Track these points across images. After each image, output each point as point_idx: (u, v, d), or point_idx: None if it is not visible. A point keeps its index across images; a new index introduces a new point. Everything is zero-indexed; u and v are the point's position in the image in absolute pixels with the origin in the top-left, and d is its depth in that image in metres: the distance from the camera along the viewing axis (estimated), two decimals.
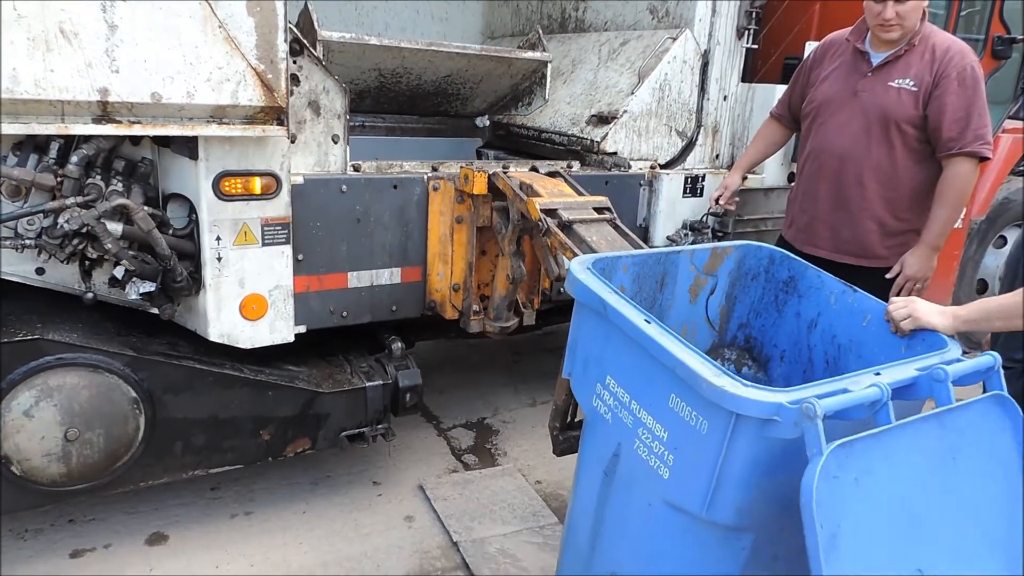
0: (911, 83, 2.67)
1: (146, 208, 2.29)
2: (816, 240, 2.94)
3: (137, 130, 2.15)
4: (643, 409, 1.79)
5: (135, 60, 2.07)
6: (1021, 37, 4.27)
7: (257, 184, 2.45)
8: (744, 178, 3.32)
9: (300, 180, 2.59)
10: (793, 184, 3.13)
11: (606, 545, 2.02)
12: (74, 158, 2.18)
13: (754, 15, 3.55)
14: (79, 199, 2.18)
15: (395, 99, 3.69)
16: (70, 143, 2.22)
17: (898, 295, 2.77)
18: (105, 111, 2.09)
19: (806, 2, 3.93)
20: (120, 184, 2.30)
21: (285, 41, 2.26)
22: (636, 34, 3.75)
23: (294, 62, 2.53)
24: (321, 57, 3.01)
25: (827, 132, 2.86)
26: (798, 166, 3.06)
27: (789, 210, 3.12)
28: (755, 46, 3.64)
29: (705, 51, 3.53)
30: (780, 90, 3.58)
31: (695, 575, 1.73)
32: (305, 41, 2.55)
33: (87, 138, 2.21)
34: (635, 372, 1.82)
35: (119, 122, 2.12)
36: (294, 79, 2.55)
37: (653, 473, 1.76)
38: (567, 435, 2.44)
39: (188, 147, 2.35)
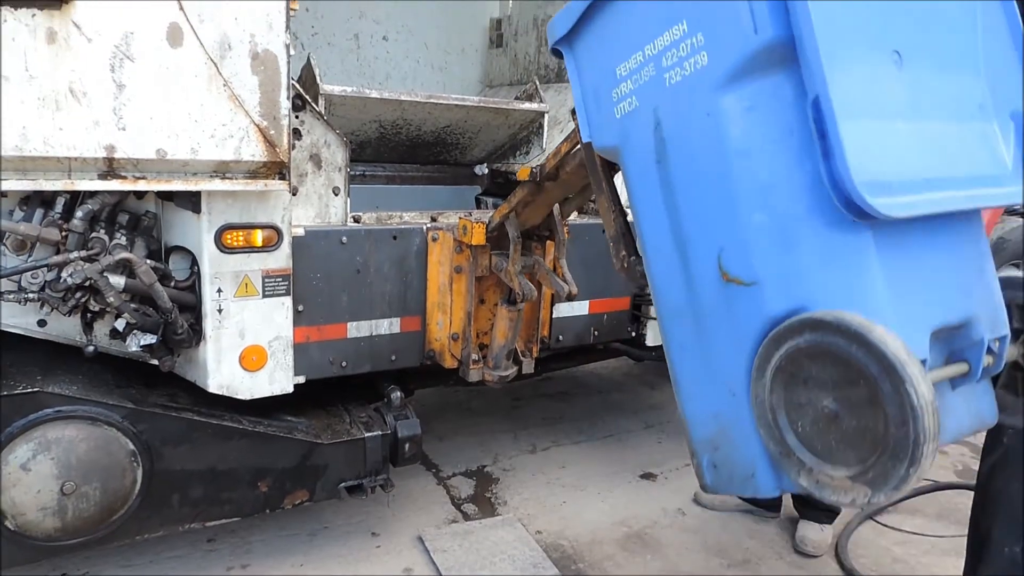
0: None
1: (148, 261, 2.32)
2: None
3: (142, 186, 2.19)
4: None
5: (142, 118, 2.12)
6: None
7: (259, 237, 2.48)
8: None
9: (301, 232, 2.62)
10: None
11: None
12: (79, 213, 2.22)
13: None
14: (83, 253, 2.21)
15: (395, 149, 3.76)
16: (76, 198, 2.26)
17: None
18: (111, 167, 2.14)
19: None
20: (124, 238, 2.33)
21: (288, 98, 2.32)
22: None
23: (296, 117, 2.59)
24: (323, 110, 3.08)
25: None
26: None
27: None
28: None
29: None
30: None
31: None
32: (307, 96, 2.61)
33: (92, 193, 2.25)
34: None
35: (124, 178, 2.16)
36: (296, 133, 2.60)
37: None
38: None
39: (191, 201, 2.39)
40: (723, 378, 1.60)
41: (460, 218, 2.88)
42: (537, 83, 3.82)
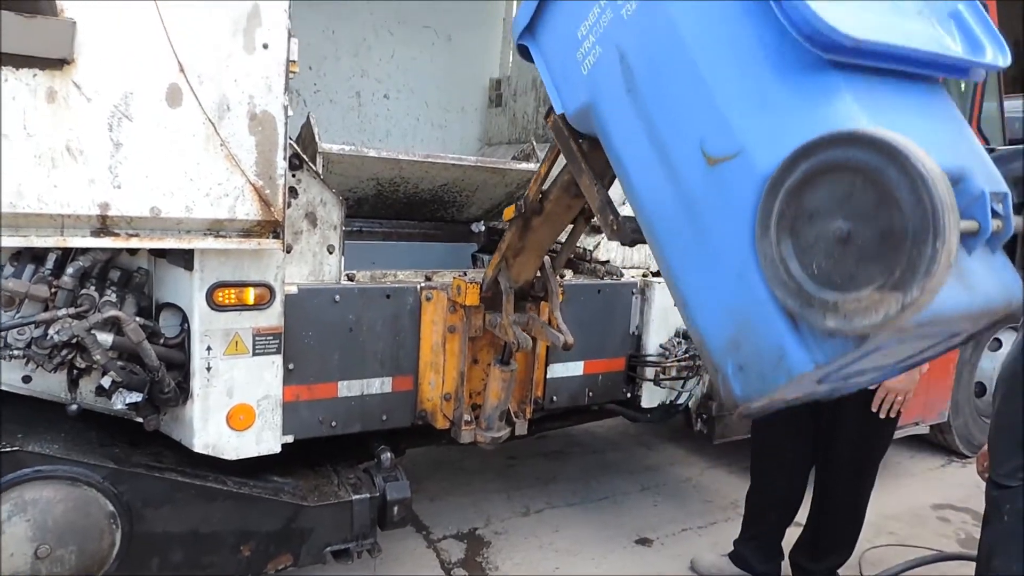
0: None
1: (137, 319, 2.29)
2: None
3: (134, 243, 2.18)
4: None
5: (137, 176, 2.13)
6: (998, 148, 4.43)
7: (251, 295, 2.46)
8: None
9: (294, 290, 2.61)
10: None
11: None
12: (70, 269, 2.21)
13: None
14: (71, 310, 2.19)
15: (392, 205, 3.77)
16: (67, 254, 2.25)
17: (878, 408, 2.75)
18: (104, 224, 2.13)
19: None
20: (114, 295, 2.32)
21: (284, 158, 2.33)
22: None
23: (293, 175, 2.60)
24: (321, 168, 3.10)
25: None
26: None
27: None
28: None
29: None
30: None
31: None
32: (304, 156, 2.63)
33: (84, 250, 2.24)
34: None
35: (117, 235, 2.16)
36: (292, 192, 2.61)
37: None
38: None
39: (184, 258, 2.38)
40: (728, 264, 1.56)
41: (454, 278, 2.87)
42: (535, 143, 3.86)
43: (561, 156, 2.22)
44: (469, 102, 5.26)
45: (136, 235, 2.18)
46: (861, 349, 1.39)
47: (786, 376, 1.47)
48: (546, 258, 2.85)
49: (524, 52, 2.14)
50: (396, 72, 4.98)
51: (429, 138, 5.17)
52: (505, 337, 2.81)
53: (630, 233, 1.98)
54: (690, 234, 1.65)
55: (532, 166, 3.76)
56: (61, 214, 2.07)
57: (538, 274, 2.91)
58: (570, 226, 2.70)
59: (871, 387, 2.75)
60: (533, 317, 2.85)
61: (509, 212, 2.59)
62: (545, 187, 2.49)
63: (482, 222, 4.18)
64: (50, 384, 2.40)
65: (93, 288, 2.28)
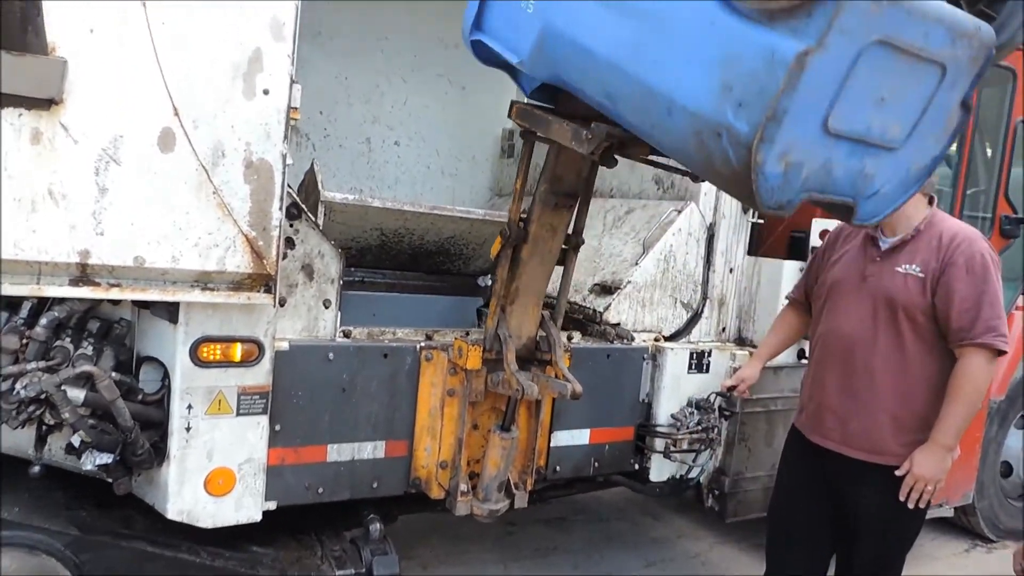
0: (918, 269, 2.59)
1: (114, 375, 2.15)
2: (824, 430, 2.75)
3: (115, 294, 2.04)
4: None
5: (122, 223, 2.00)
6: None
7: (238, 351, 2.32)
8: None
9: (285, 346, 2.46)
10: (805, 369, 2.98)
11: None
12: (43, 320, 2.07)
13: None
14: (42, 364, 2.04)
15: (396, 256, 3.64)
16: (43, 303, 2.11)
17: (907, 496, 2.55)
18: (84, 273, 2.00)
19: None
20: (90, 347, 2.17)
21: (280, 208, 2.21)
22: (641, 203, 3.74)
23: (291, 225, 2.47)
24: (323, 217, 2.98)
25: (836, 316, 2.75)
26: (809, 350, 2.93)
27: (801, 396, 2.95)
28: (760, 220, 3.62)
29: (711, 224, 3.51)
30: (788, 266, 3.54)
31: None
32: (303, 206, 2.51)
33: (61, 299, 2.10)
34: None
35: (98, 284, 2.03)
36: (289, 242, 2.48)
37: None
38: None
39: (168, 311, 2.24)
40: (698, 27, 1.64)
41: (456, 339, 2.71)
42: None
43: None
44: (481, 152, 5.17)
45: (117, 285, 2.05)
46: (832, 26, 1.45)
47: (783, 69, 1.48)
48: (545, 312, 2.78)
49: (477, 49, 2.28)
50: (408, 119, 4.91)
51: (439, 186, 5.07)
52: (508, 390, 2.65)
53: (604, 134, 2.07)
54: (656, 37, 1.74)
55: None
56: (38, 261, 1.94)
57: (541, 333, 2.77)
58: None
59: (897, 473, 2.56)
60: (538, 373, 2.70)
61: (496, 246, 2.59)
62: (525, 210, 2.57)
63: (489, 276, 4.04)
64: (16, 440, 2.24)
65: (68, 340, 2.14)
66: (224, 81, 2.08)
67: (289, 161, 2.22)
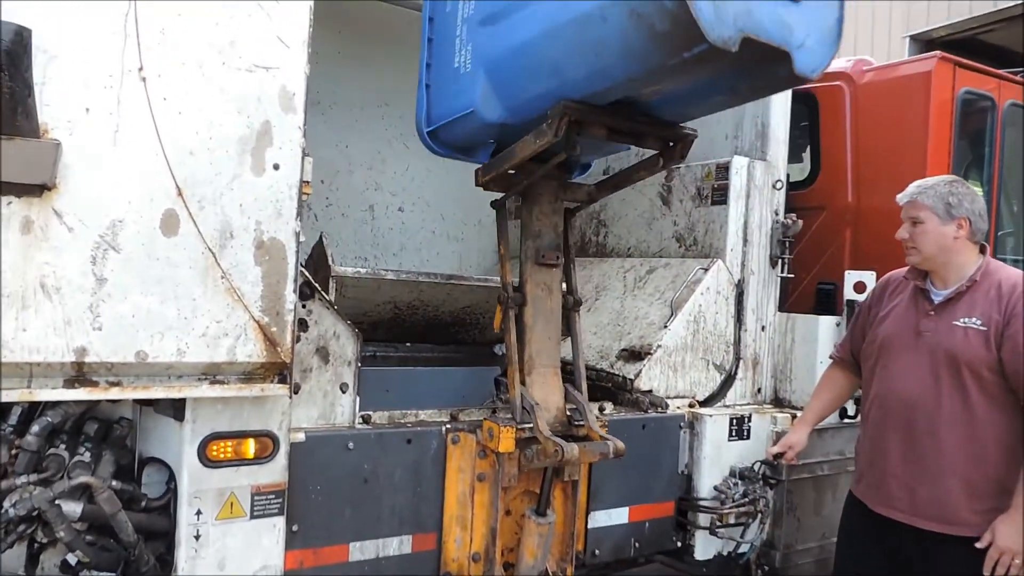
0: (978, 322, 2.42)
1: (114, 484, 1.93)
2: (890, 500, 2.53)
3: (114, 394, 1.85)
4: None
5: (122, 315, 1.83)
6: None
7: (251, 447, 2.11)
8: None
9: (301, 437, 2.25)
10: (859, 433, 2.77)
11: None
12: (35, 428, 1.87)
13: (787, 244, 3.40)
14: (34, 477, 1.83)
15: (410, 329, 3.47)
16: (35, 407, 1.91)
17: (992, 572, 2.32)
18: (80, 372, 1.81)
19: (836, 227, 3.84)
20: (88, 453, 1.97)
21: (294, 290, 2.04)
22: (663, 262, 3.59)
23: (303, 306, 2.29)
24: (334, 293, 2.81)
25: (891, 375, 2.57)
26: (863, 412, 2.73)
27: (857, 462, 2.74)
28: (791, 275, 3.46)
29: (739, 280, 3.35)
30: (823, 321, 3.37)
31: None
32: (316, 285, 2.34)
33: (55, 402, 1.90)
34: None
35: (95, 384, 1.84)
36: (302, 324, 2.29)
37: None
38: None
39: (173, 407, 2.04)
40: None
41: (485, 419, 2.51)
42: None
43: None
44: (487, 214, 4.97)
45: (117, 383, 1.86)
46: None
47: None
48: (567, 384, 2.68)
49: (434, 142, 2.64)
50: (411, 185, 4.78)
51: (446, 251, 4.92)
52: (544, 460, 2.47)
53: (561, 109, 2.10)
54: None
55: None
56: (29, 362, 1.75)
57: (570, 405, 2.59)
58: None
59: (978, 546, 2.33)
60: (573, 440, 2.49)
61: (498, 317, 2.64)
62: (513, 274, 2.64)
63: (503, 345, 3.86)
64: (7, 558, 2.00)
65: (63, 446, 1.93)
66: (231, 157, 1.94)
67: (302, 239, 2.06)
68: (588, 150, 2.61)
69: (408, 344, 3.63)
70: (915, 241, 2.53)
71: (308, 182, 2.08)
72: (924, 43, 8.87)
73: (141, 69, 1.83)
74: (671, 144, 2.40)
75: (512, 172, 2.52)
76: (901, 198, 2.59)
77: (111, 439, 2.04)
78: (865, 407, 2.70)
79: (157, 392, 1.89)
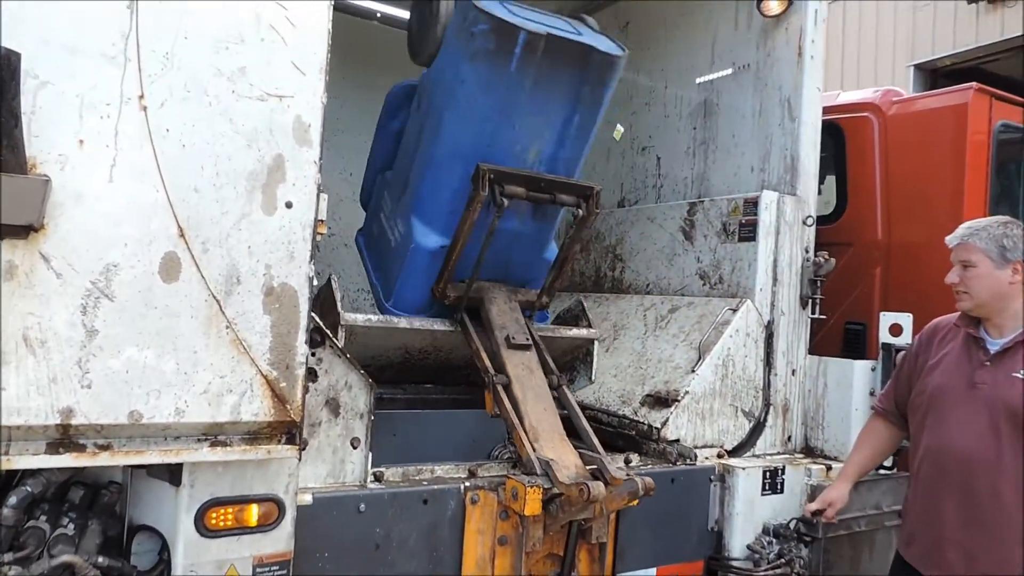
0: None
1: (100, 560, 1.72)
2: (946, 565, 2.34)
3: (103, 459, 1.65)
4: None
5: (114, 371, 1.63)
6: None
7: (254, 514, 1.90)
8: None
9: (308, 500, 2.04)
10: (908, 491, 2.58)
11: None
12: (12, 499, 1.66)
13: (819, 283, 3.23)
14: (8, 556, 1.62)
15: (419, 371, 3.26)
16: (12, 475, 1.70)
17: None
18: (66, 435, 1.62)
19: (865, 264, 3.67)
20: (72, 524, 1.75)
21: (306, 341, 1.84)
22: (686, 301, 3.41)
23: (313, 354, 2.10)
24: (343, 340, 2.61)
25: (946, 430, 2.38)
26: (912, 468, 2.54)
27: (906, 522, 2.54)
28: (823, 316, 3.28)
29: (769, 322, 3.17)
30: (859, 366, 3.18)
31: None
32: (328, 332, 2.14)
33: (35, 470, 1.69)
34: None
35: (82, 448, 1.64)
36: (311, 374, 2.10)
37: None
38: None
39: (169, 470, 1.84)
40: None
41: (509, 478, 2.31)
42: (584, 305, 3.37)
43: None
44: None
45: (107, 447, 1.66)
46: None
47: None
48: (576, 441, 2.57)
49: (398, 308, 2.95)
50: None
51: None
52: (568, 511, 2.30)
53: (487, 170, 2.60)
54: None
55: (583, 332, 3.28)
56: (8, 426, 1.55)
57: (591, 465, 2.41)
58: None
59: None
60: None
61: (489, 402, 2.65)
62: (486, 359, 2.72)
63: None
64: None
65: (44, 518, 1.72)
66: (239, 195, 1.75)
67: (315, 283, 1.87)
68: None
69: (415, 385, 3.43)
70: (967, 286, 2.37)
71: (323, 221, 1.89)
72: (928, 72, 8.81)
73: (142, 97, 1.65)
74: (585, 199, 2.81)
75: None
76: (951, 240, 2.43)
77: (98, 507, 1.83)
78: (914, 464, 2.51)
79: (151, 457, 1.69)
